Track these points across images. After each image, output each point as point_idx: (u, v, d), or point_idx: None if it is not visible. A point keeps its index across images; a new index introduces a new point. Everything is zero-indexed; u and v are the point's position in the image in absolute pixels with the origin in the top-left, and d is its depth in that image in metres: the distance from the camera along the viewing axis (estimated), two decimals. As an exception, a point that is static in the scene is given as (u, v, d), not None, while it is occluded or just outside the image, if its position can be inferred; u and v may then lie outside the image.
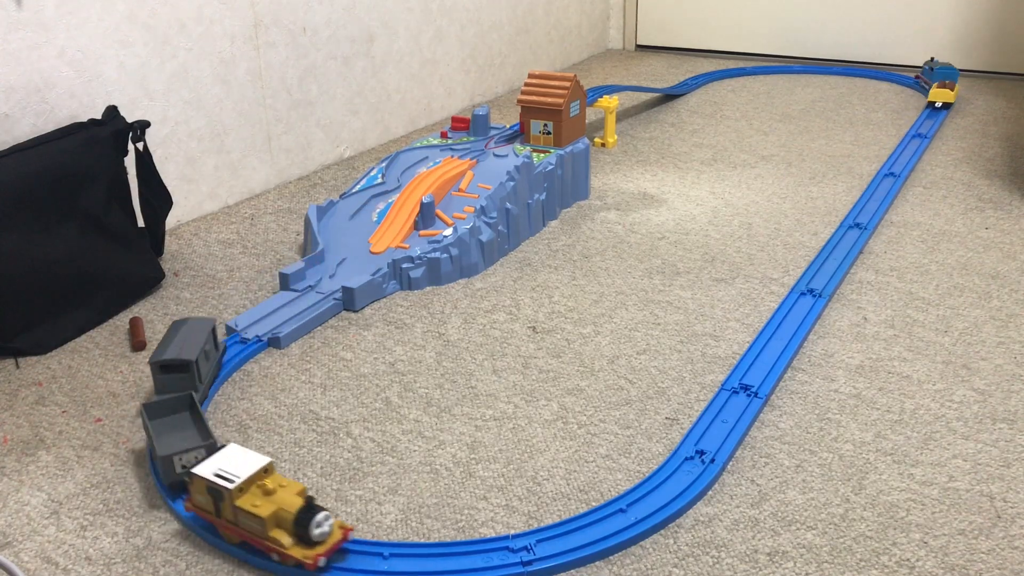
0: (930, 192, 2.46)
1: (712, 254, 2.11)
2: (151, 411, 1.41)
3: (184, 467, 1.30)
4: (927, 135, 2.88)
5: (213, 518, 1.23)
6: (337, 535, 1.19)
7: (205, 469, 1.22)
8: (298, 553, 1.17)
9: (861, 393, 1.57)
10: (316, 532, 1.17)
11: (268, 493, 1.19)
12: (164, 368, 1.48)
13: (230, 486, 1.19)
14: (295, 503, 1.18)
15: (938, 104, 3.19)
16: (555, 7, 3.77)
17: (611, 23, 4.29)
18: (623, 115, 3.20)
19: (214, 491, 1.21)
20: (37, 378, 1.66)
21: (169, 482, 1.31)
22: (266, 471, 1.22)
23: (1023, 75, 3.63)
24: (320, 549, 1.18)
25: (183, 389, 1.48)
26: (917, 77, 3.49)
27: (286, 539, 1.18)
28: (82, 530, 1.28)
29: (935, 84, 3.22)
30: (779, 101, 3.36)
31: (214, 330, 1.60)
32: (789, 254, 2.10)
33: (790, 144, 2.88)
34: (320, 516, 1.17)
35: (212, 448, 1.31)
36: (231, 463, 1.23)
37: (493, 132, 2.44)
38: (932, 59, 3.44)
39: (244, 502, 1.19)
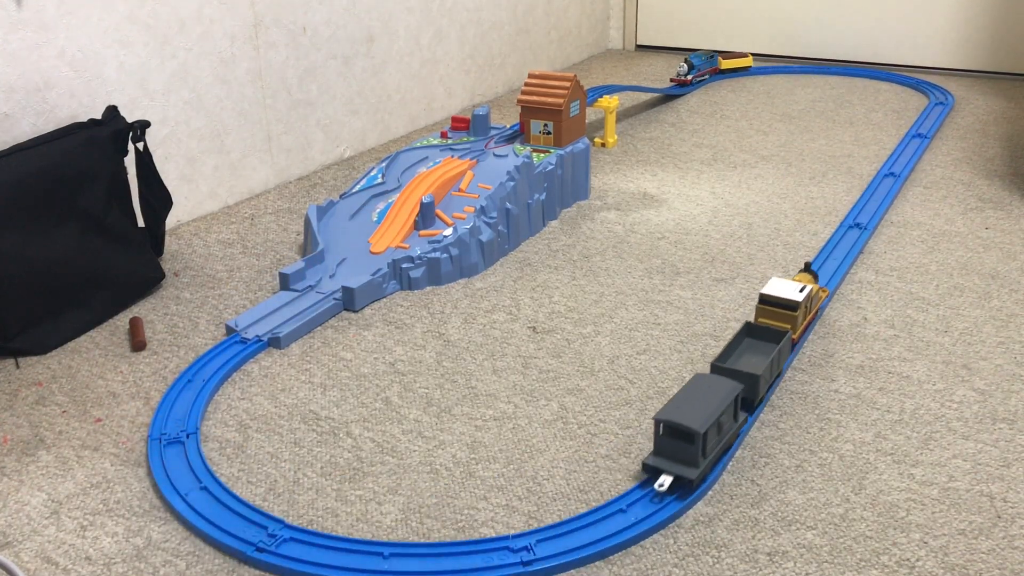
0: (930, 192, 2.46)
1: (712, 254, 2.11)
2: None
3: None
4: (927, 135, 2.88)
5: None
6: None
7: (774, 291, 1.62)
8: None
9: (861, 393, 1.57)
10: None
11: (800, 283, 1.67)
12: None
13: (809, 285, 1.65)
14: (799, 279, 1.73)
15: (749, 67, 3.75)
16: (555, 7, 3.77)
17: (611, 23, 4.29)
18: (623, 115, 3.20)
19: (791, 303, 1.60)
20: (37, 378, 1.66)
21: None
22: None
23: (1023, 75, 3.63)
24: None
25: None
26: (684, 81, 3.51)
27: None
28: (82, 530, 1.28)
29: (720, 58, 3.69)
30: (779, 101, 3.36)
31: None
32: (789, 254, 2.10)
33: (790, 144, 2.88)
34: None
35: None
36: (774, 290, 1.62)
37: (493, 132, 2.44)
38: (688, 58, 3.57)
39: (813, 290, 1.68)
